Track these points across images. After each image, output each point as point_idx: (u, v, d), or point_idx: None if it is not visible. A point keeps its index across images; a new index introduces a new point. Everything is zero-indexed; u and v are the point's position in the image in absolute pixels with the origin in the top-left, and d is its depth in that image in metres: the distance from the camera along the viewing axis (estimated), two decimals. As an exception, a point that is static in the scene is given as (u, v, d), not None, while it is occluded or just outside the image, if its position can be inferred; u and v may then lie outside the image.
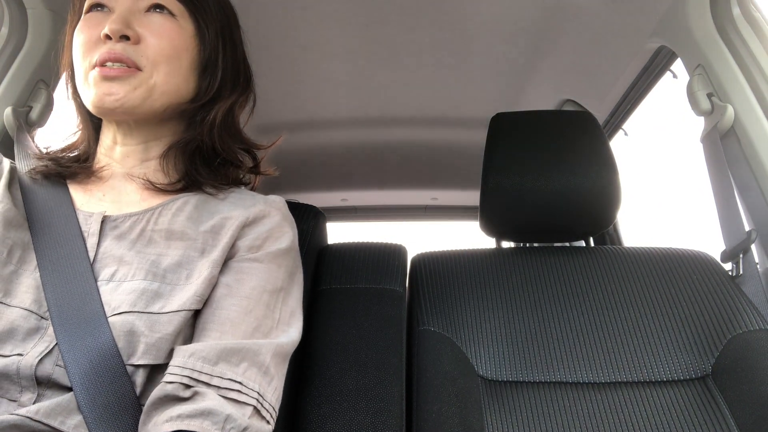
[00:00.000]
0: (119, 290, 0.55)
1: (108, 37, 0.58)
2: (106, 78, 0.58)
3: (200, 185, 0.66)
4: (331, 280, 0.92)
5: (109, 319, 0.52)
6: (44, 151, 0.69)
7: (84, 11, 0.63)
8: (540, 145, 0.94)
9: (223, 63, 0.67)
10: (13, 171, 0.64)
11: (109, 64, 0.58)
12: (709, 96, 0.94)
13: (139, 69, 0.59)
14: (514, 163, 0.93)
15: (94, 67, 0.59)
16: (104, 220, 0.60)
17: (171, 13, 0.62)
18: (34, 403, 0.49)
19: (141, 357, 0.51)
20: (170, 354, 0.52)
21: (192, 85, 0.65)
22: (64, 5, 0.68)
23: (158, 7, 0.62)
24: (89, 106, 0.61)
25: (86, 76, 0.60)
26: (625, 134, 1.51)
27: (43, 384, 0.50)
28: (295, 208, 0.91)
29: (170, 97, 0.62)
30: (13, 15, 0.92)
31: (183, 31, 0.63)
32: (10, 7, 0.92)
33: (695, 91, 0.95)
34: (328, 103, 1.45)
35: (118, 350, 0.51)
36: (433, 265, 0.95)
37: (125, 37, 0.59)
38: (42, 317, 0.53)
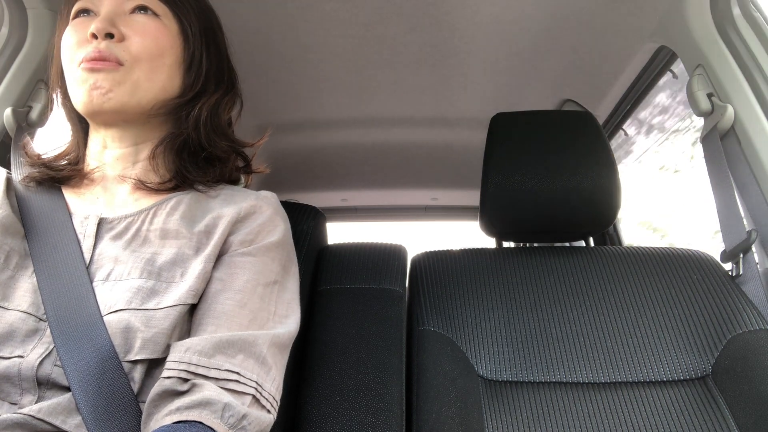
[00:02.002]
0: (115, 289, 0.55)
1: (94, 36, 0.60)
2: (92, 70, 0.59)
3: (191, 183, 0.67)
4: (331, 281, 0.92)
5: (105, 318, 0.53)
6: (37, 156, 0.69)
7: (71, 18, 0.64)
8: (540, 145, 0.94)
9: (207, 61, 0.68)
10: (9, 179, 0.65)
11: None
12: (709, 96, 0.94)
13: (120, 64, 0.60)
14: (514, 163, 0.93)
15: (80, 64, 0.60)
16: (100, 222, 0.61)
17: (155, 14, 0.64)
18: (35, 404, 0.49)
19: (138, 353, 0.52)
20: (167, 349, 0.53)
21: (177, 82, 0.66)
22: (64, 5, 0.68)
23: (142, 9, 0.63)
24: (79, 107, 0.62)
25: (75, 76, 0.61)
26: (625, 134, 1.51)
27: (44, 385, 0.51)
28: (295, 208, 0.91)
29: (156, 94, 0.63)
30: (13, 15, 0.92)
31: (167, 30, 0.64)
32: (10, 7, 0.92)
33: (695, 91, 0.95)
34: (328, 103, 1.45)
35: (115, 351, 0.51)
36: (433, 265, 0.95)
37: (110, 36, 0.60)
38: (40, 319, 0.54)
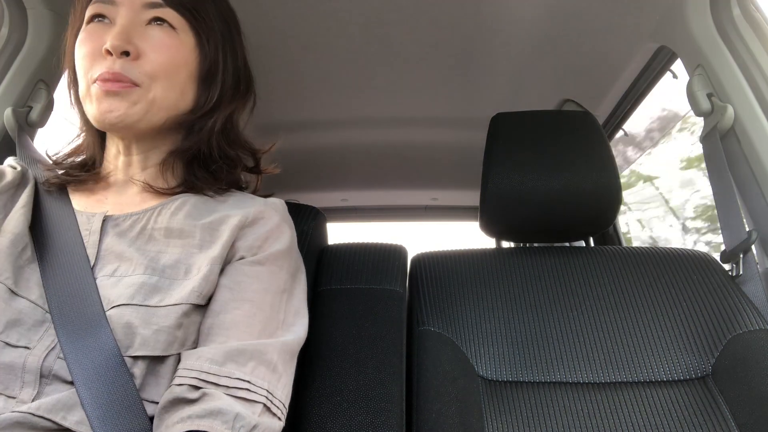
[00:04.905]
0: (119, 285, 0.56)
1: (109, 52, 0.59)
2: (108, 93, 0.59)
3: (200, 189, 0.67)
4: (332, 281, 0.92)
5: (107, 313, 0.53)
6: (52, 158, 0.70)
7: (85, 21, 0.63)
8: (540, 145, 0.94)
9: (224, 74, 0.67)
10: (35, 182, 0.65)
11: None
12: (709, 96, 0.94)
13: (137, 85, 0.60)
14: (514, 163, 0.93)
15: (95, 81, 0.59)
16: (106, 219, 0.62)
17: (171, 26, 0.62)
18: (33, 399, 0.50)
19: (138, 349, 0.52)
20: (169, 346, 0.53)
21: (190, 97, 0.65)
22: (64, 5, 0.68)
23: (159, 20, 0.62)
24: (91, 120, 0.62)
25: (88, 90, 0.60)
26: (625, 134, 1.51)
27: (45, 378, 0.51)
28: (295, 209, 0.91)
29: (168, 111, 0.63)
30: (13, 15, 0.92)
31: (183, 45, 0.63)
32: (10, 7, 0.92)
33: (695, 91, 0.95)
34: (328, 103, 1.45)
35: (118, 348, 0.51)
36: (433, 265, 0.95)
37: (125, 53, 0.59)
38: (47, 311, 0.54)
